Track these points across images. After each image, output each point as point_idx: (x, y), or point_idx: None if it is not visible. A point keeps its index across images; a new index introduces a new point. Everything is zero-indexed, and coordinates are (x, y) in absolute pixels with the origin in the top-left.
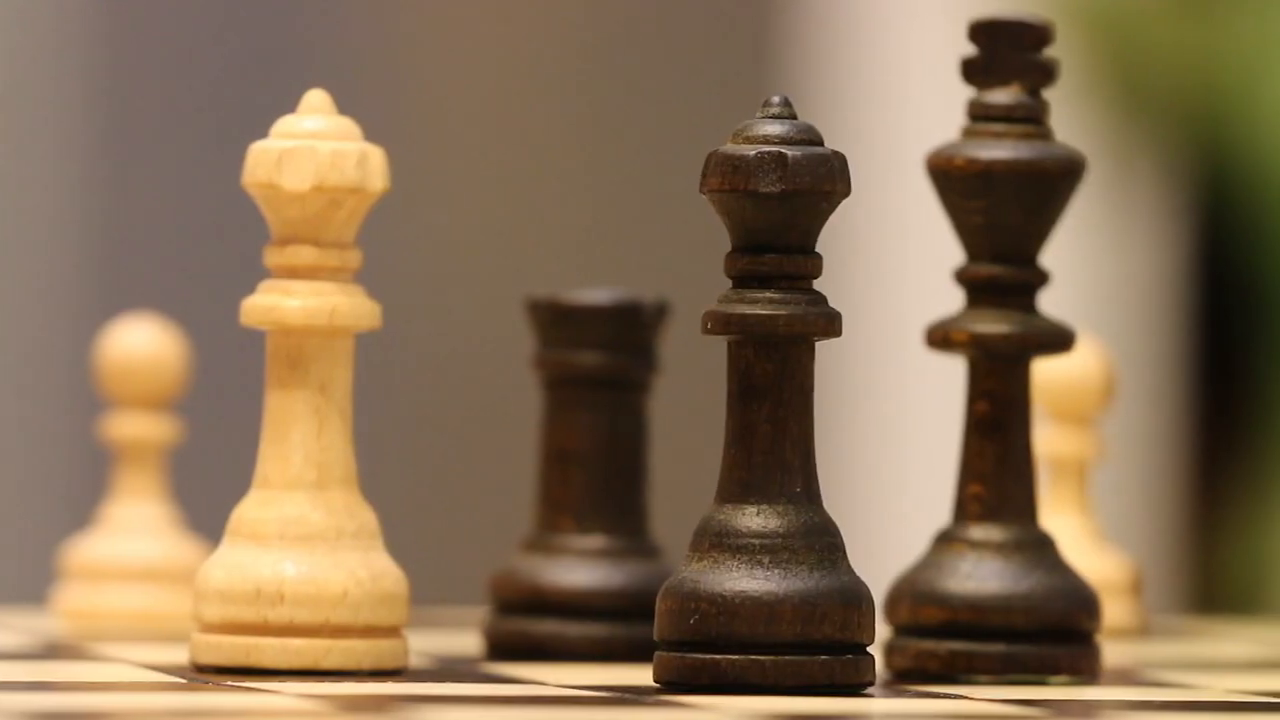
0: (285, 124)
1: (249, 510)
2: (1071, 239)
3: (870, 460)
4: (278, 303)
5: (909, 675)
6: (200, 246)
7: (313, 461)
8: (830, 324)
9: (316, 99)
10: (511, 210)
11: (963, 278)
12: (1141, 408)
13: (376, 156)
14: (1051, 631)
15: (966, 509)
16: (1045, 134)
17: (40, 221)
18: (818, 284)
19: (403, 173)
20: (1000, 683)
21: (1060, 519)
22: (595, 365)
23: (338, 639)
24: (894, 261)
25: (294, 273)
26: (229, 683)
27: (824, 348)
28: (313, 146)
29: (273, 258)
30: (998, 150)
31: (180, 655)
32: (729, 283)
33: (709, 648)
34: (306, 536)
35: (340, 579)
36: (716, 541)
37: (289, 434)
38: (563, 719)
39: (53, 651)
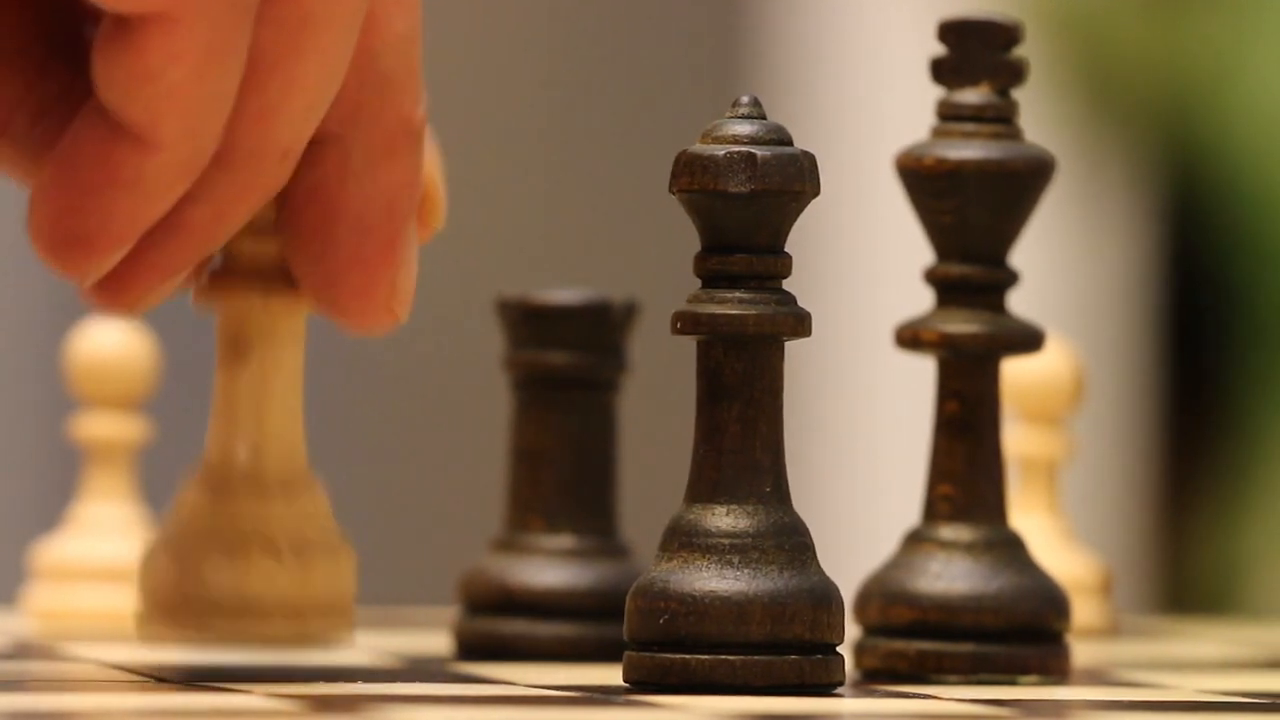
0: None
1: (189, 495)
2: (1041, 239)
3: (840, 460)
4: (220, 282)
5: (878, 675)
6: None
7: (251, 444)
8: (800, 324)
9: None
10: (481, 210)
11: (932, 277)
12: (1111, 408)
13: None
14: (1021, 631)
15: (936, 509)
16: (1015, 134)
17: (7, 221)
18: (787, 284)
19: None
20: (970, 683)
21: (1030, 519)
22: (565, 365)
23: (283, 619)
24: (864, 261)
25: (260, 268)
26: (199, 682)
27: (794, 347)
28: None
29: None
30: (967, 150)
31: (149, 655)
32: (698, 282)
33: (679, 647)
34: (249, 518)
35: (275, 560)
36: (686, 541)
37: (232, 416)
38: (532, 719)
39: (22, 651)
